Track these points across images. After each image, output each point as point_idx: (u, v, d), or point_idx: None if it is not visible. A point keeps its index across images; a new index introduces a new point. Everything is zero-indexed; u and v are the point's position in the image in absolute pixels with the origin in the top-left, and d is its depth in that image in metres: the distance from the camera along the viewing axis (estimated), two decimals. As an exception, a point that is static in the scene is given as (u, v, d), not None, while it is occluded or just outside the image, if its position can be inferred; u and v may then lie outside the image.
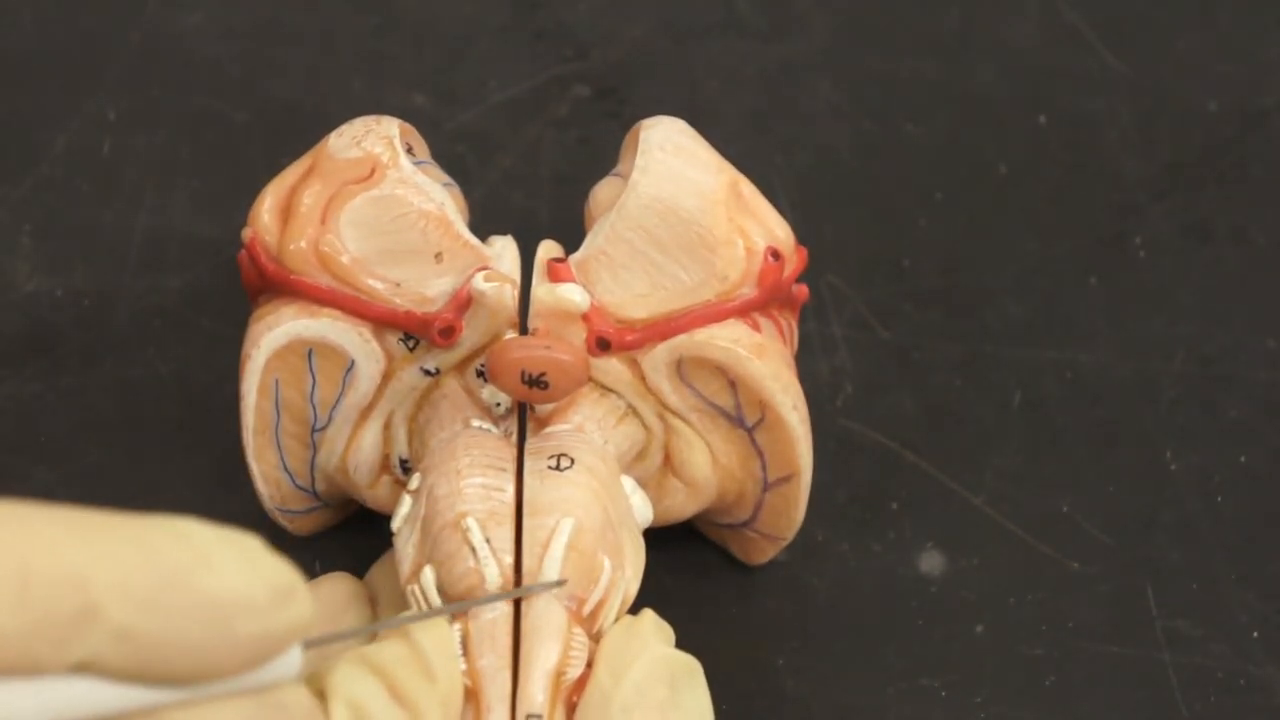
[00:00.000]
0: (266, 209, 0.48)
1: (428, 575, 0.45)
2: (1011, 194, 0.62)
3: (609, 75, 0.64)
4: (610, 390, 0.48)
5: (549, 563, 0.44)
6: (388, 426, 0.49)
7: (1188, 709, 0.50)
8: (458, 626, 0.44)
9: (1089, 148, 0.63)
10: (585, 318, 0.47)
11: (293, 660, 0.36)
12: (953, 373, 0.57)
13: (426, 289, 0.47)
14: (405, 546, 0.46)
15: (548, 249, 0.48)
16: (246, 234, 0.48)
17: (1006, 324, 0.58)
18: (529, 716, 0.42)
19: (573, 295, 0.46)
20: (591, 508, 0.45)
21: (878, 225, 0.61)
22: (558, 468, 0.46)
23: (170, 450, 0.54)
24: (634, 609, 0.46)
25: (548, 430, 0.47)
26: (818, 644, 0.51)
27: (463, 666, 0.43)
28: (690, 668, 0.44)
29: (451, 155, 0.60)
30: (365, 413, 0.49)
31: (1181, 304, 0.59)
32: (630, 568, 0.46)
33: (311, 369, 0.48)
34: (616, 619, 0.45)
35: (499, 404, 0.48)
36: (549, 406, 0.48)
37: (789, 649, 0.51)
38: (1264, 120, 0.63)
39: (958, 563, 0.53)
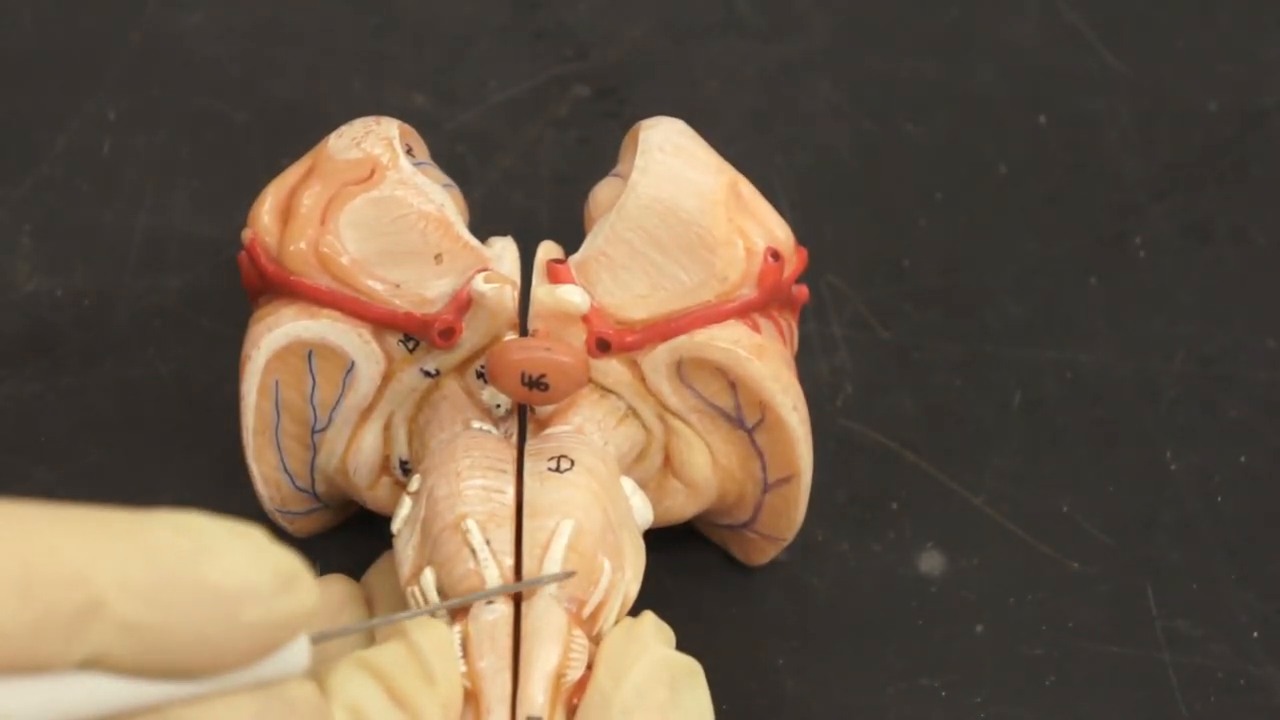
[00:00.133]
0: (266, 210, 0.48)
1: (428, 577, 0.45)
2: (1011, 194, 0.62)
3: (609, 75, 0.64)
4: (610, 391, 0.48)
5: (549, 564, 0.44)
6: (388, 428, 0.49)
7: (1188, 709, 0.50)
8: (457, 628, 0.44)
9: (1089, 148, 0.63)
10: (585, 319, 0.47)
11: (300, 655, 0.36)
12: (953, 373, 0.57)
13: (426, 290, 0.47)
14: (405, 548, 0.46)
15: (547, 250, 0.48)
16: (246, 235, 0.48)
17: (1006, 324, 0.58)
18: (529, 718, 0.42)
19: (573, 296, 0.46)
20: (591, 509, 0.45)
21: (878, 225, 0.61)
22: (558, 469, 0.46)
23: (170, 450, 0.54)
24: (634, 610, 0.46)
25: (548, 432, 0.47)
26: (818, 644, 0.51)
27: (462, 668, 0.43)
28: (690, 669, 0.44)
29: (451, 155, 0.60)
30: (365, 414, 0.49)
31: (1181, 304, 0.59)
32: (630, 569, 0.46)
33: (311, 370, 0.48)
34: (617, 621, 0.45)
35: (499, 405, 0.48)
36: (549, 408, 0.48)
37: (789, 649, 0.51)
38: (1264, 120, 0.63)
39: (958, 563, 0.53)
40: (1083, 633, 0.51)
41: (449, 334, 0.47)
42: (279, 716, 0.36)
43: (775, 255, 0.48)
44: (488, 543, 0.44)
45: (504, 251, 0.48)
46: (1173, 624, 0.52)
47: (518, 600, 0.44)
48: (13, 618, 0.32)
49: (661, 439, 0.49)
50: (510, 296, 0.46)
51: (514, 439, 0.47)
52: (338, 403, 0.48)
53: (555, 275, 0.47)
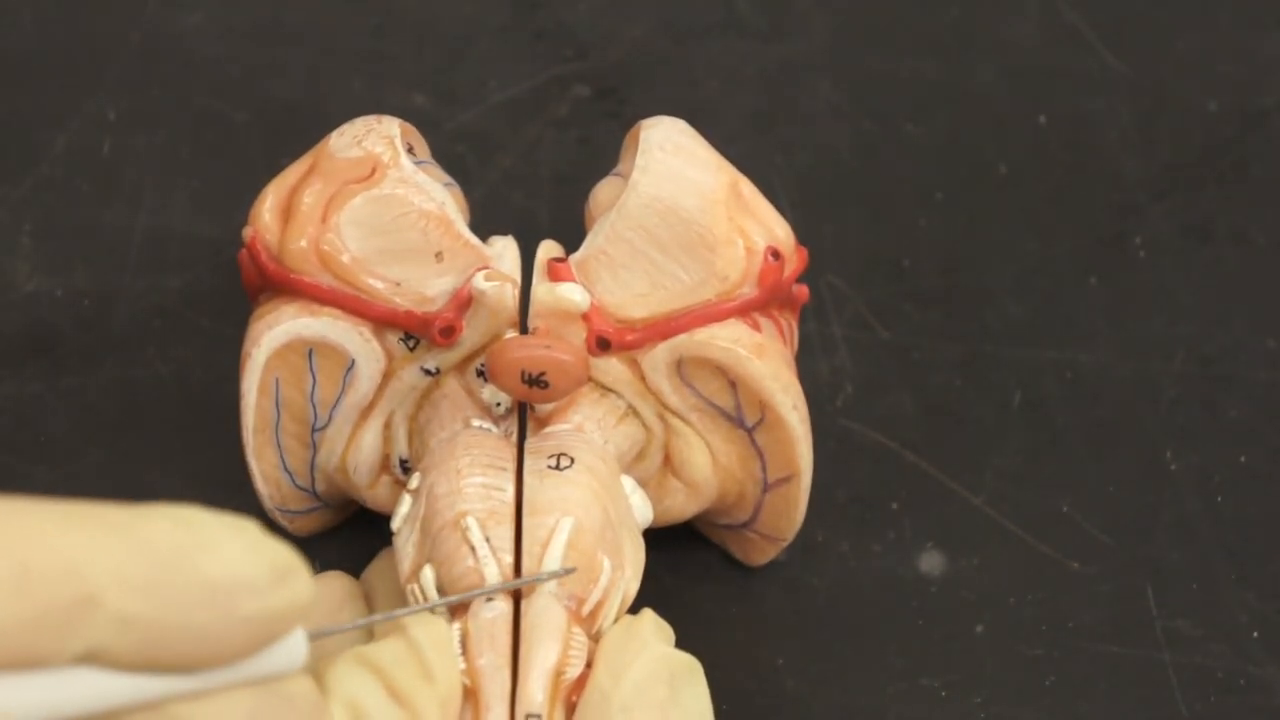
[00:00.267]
0: (267, 208, 0.48)
1: (427, 574, 0.45)
2: (1011, 194, 0.62)
3: (609, 75, 0.64)
4: (610, 390, 0.48)
5: (548, 562, 0.44)
6: (388, 426, 0.49)
7: (1188, 709, 0.50)
8: (457, 625, 0.44)
9: (1089, 148, 0.63)
10: (585, 317, 0.47)
11: (298, 651, 0.36)
12: (953, 373, 0.57)
13: (427, 288, 0.47)
14: (405, 546, 0.46)
15: (548, 249, 0.48)
16: (247, 233, 0.48)
17: (1006, 324, 0.58)
18: (528, 716, 0.42)
19: (573, 295, 0.46)
20: (591, 507, 0.45)
21: (878, 225, 0.61)
22: (557, 467, 0.46)
23: (170, 450, 0.54)
24: (634, 609, 0.46)
25: (548, 430, 0.47)
26: (818, 644, 0.51)
27: (462, 665, 0.43)
28: (690, 667, 0.44)
29: (451, 155, 0.60)
30: (365, 412, 0.49)
31: (1181, 304, 0.59)
32: (630, 567, 0.46)
33: (312, 368, 0.48)
34: (616, 619, 0.45)
35: (499, 404, 0.48)
36: (549, 406, 0.48)
37: (789, 649, 0.51)
38: (1264, 120, 0.63)
39: (958, 563, 0.53)
40: (1083, 633, 0.51)
41: (449, 332, 0.47)
42: (277, 712, 0.36)
43: (776, 254, 0.48)
44: (487, 540, 0.44)
45: (504, 250, 0.48)
46: (1173, 624, 0.52)
47: (517, 598, 0.44)
48: (9, 613, 0.32)
49: (661, 438, 0.49)
50: (511, 294, 0.46)
51: (514, 437, 0.47)
52: (338, 401, 0.48)
53: (555, 273, 0.47)
